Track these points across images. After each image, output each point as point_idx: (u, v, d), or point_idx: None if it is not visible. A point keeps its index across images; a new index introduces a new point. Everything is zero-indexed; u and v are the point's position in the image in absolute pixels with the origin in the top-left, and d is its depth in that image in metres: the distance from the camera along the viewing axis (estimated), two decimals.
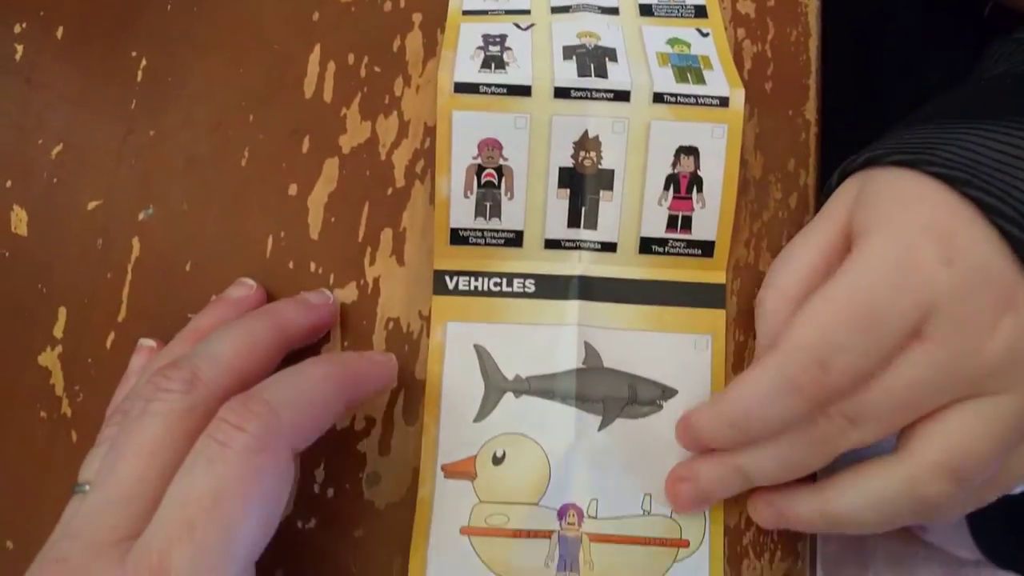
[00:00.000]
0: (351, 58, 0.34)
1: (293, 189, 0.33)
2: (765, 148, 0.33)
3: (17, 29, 0.35)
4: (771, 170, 0.33)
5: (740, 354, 0.31)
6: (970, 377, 0.25)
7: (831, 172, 0.31)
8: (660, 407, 0.31)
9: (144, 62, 0.34)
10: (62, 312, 0.32)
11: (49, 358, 0.32)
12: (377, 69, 0.34)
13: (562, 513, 0.30)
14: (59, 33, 0.35)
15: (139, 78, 0.34)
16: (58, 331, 0.32)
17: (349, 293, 0.32)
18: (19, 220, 0.33)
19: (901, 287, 0.25)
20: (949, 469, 0.25)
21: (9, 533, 0.31)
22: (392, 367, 0.29)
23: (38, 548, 0.30)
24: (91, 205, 0.33)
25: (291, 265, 0.32)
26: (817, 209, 0.33)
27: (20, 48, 0.35)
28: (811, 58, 0.34)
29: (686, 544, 0.29)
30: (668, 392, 0.31)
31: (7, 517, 0.31)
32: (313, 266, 0.32)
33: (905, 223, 0.26)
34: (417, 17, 0.35)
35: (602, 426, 0.30)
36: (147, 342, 0.32)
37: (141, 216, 0.33)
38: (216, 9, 0.35)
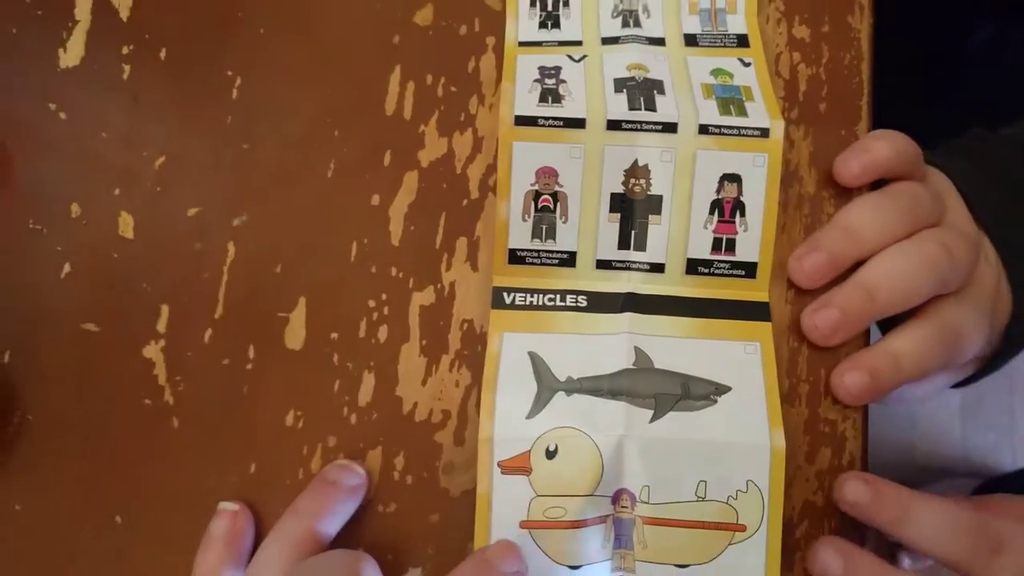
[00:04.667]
0: (429, 78, 0.37)
1: (375, 199, 0.36)
2: (819, 165, 0.35)
3: (124, 51, 0.38)
4: (824, 186, 0.35)
5: (794, 360, 0.33)
6: None
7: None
8: (714, 401, 0.32)
9: (239, 81, 0.37)
10: (164, 309, 0.35)
11: (153, 350, 0.35)
12: (453, 89, 0.37)
13: (616, 498, 0.31)
14: (162, 54, 0.38)
15: (234, 96, 0.37)
16: (161, 326, 0.35)
17: (427, 296, 0.34)
18: (126, 225, 0.36)
19: None
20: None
21: (118, 509, 0.33)
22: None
23: (142, 522, 0.33)
24: (191, 211, 0.36)
25: (373, 269, 0.35)
26: None
27: (127, 68, 0.38)
28: (863, 80, 0.36)
29: (743, 528, 0.31)
30: (722, 388, 0.32)
31: (116, 494, 0.33)
32: (394, 271, 0.35)
33: None
34: (490, 40, 0.37)
35: (654, 419, 0.31)
36: (228, 506, 0.32)
37: (235, 222, 0.36)
38: (305, 33, 0.38)
